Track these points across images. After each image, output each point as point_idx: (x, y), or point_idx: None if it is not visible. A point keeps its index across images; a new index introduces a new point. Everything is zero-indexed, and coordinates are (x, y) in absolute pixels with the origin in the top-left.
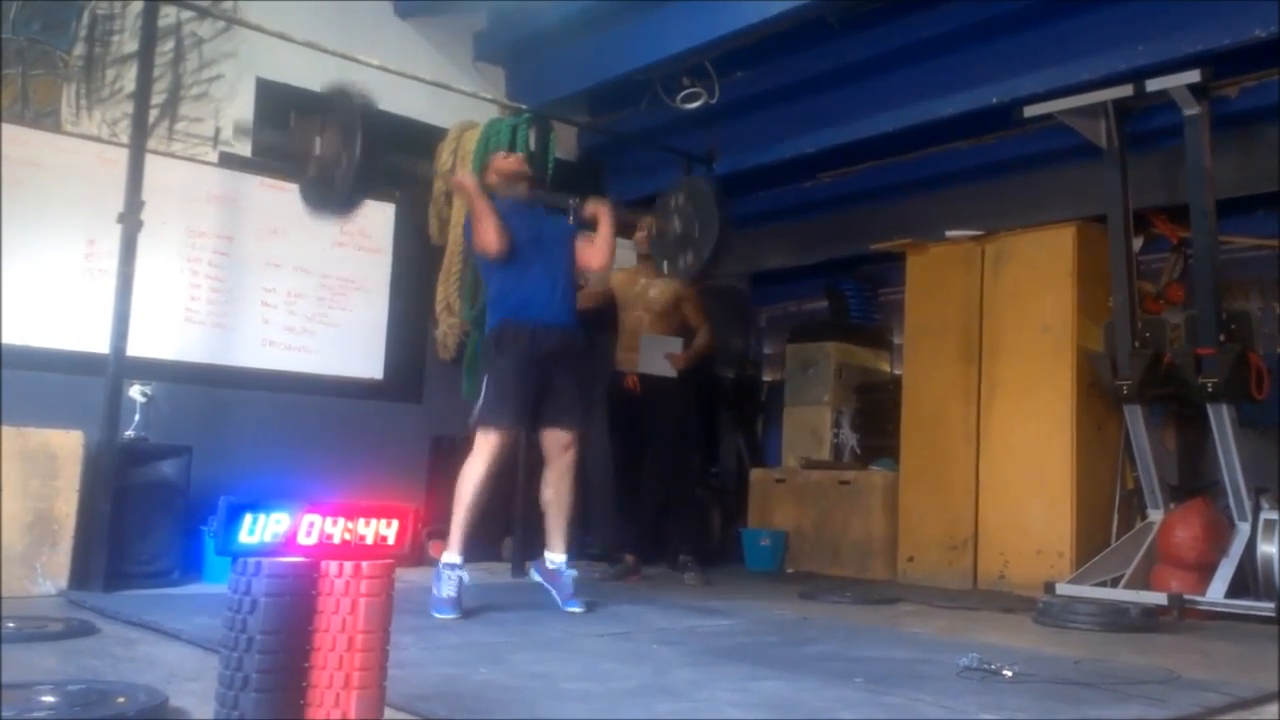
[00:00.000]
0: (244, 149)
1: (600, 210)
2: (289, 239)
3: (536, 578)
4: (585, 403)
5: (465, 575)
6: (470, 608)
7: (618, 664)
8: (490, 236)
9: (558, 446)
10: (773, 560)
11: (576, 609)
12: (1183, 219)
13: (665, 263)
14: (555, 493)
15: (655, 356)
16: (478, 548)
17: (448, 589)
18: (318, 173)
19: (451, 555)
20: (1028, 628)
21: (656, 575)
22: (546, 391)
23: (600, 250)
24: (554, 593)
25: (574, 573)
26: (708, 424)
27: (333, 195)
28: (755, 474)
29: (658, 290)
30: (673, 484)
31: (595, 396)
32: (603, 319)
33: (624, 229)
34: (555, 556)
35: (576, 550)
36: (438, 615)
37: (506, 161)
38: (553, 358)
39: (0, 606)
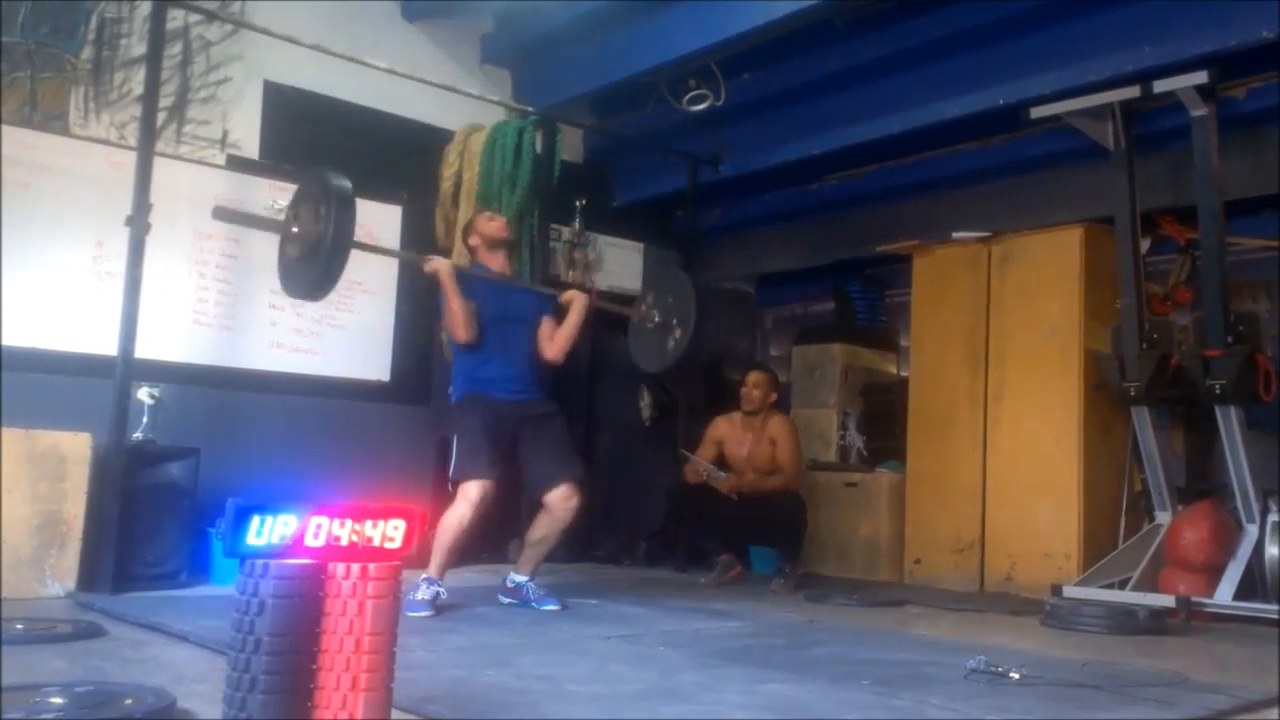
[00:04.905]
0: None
1: (575, 301)
2: None
3: (505, 600)
4: (572, 453)
5: (444, 592)
6: (477, 609)
7: (625, 666)
8: (458, 327)
9: (559, 498)
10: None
11: (553, 607)
12: (1190, 220)
13: (642, 358)
14: (545, 536)
15: (715, 478)
16: (485, 550)
17: (423, 594)
18: (298, 254)
19: (431, 572)
20: (1035, 630)
21: (667, 579)
22: (529, 458)
23: (559, 343)
24: (528, 603)
25: (532, 583)
26: None
27: (310, 276)
28: None
29: (757, 447)
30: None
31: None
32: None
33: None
34: (519, 577)
35: (580, 553)
36: (410, 614)
37: (490, 225)
38: (521, 422)
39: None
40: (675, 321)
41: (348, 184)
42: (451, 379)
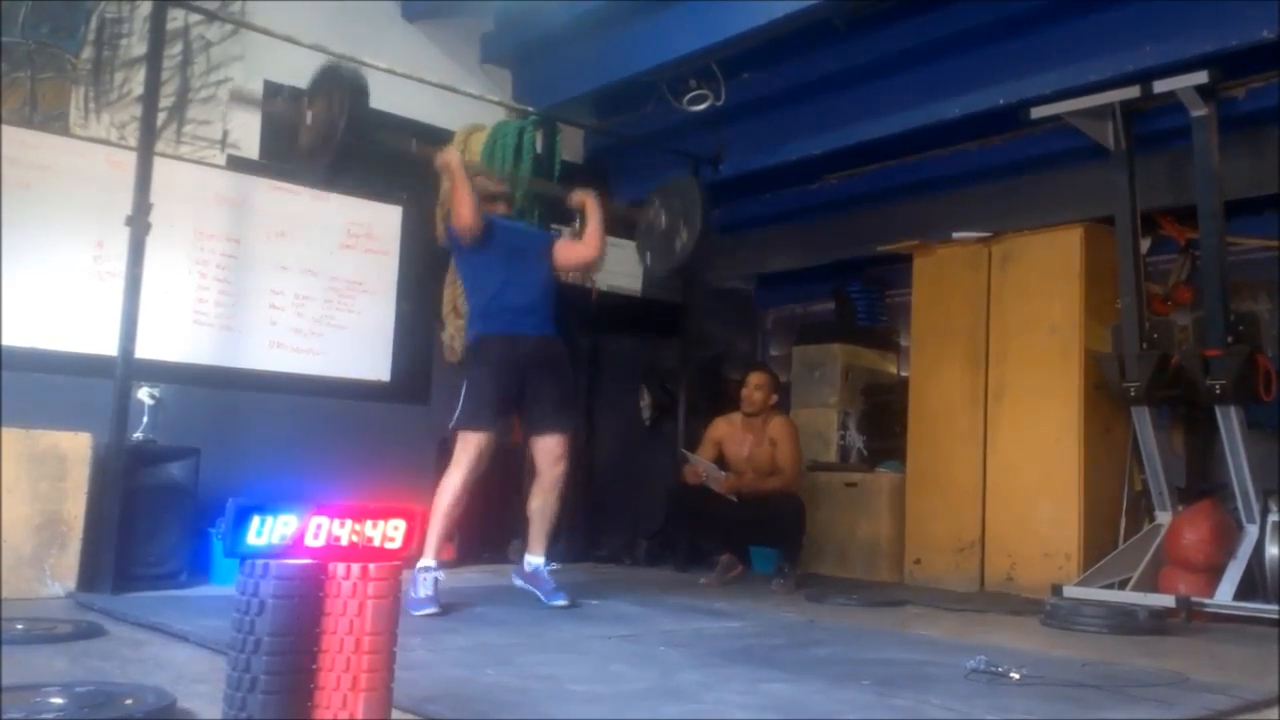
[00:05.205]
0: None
1: (587, 200)
2: (296, 241)
3: (518, 583)
4: (572, 404)
5: (441, 575)
6: (477, 609)
7: (625, 666)
8: (466, 212)
9: (549, 458)
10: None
11: (562, 602)
12: (1190, 220)
13: (648, 255)
14: (543, 504)
15: (714, 478)
16: (485, 550)
17: (424, 590)
18: (308, 143)
19: (427, 559)
20: (1035, 630)
21: (667, 579)
22: (530, 399)
23: (590, 240)
24: (536, 592)
25: (552, 566)
26: None
27: (319, 160)
28: None
29: (758, 448)
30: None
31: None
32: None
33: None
34: (534, 559)
35: (580, 553)
36: (415, 612)
37: (484, 180)
38: (530, 363)
39: (0, 608)
40: (682, 223)
41: (361, 72)
42: (469, 321)
